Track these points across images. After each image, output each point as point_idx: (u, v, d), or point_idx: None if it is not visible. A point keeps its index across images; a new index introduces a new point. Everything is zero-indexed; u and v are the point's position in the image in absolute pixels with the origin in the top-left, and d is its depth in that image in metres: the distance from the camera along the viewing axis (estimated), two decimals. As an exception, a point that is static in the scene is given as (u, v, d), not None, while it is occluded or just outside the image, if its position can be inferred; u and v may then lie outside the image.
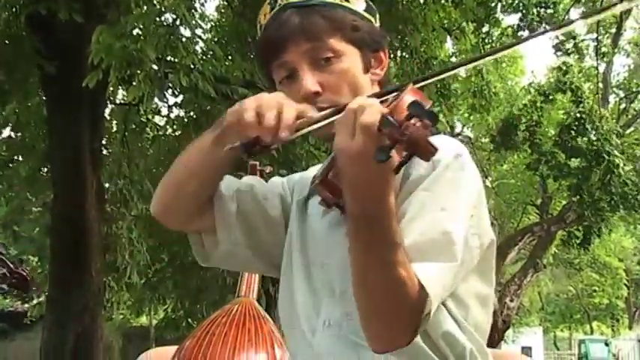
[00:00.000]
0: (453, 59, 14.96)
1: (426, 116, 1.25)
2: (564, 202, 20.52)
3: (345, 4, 1.75)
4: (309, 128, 1.55)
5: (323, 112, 1.58)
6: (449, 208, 1.55)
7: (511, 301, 18.30)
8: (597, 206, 16.09)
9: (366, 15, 1.78)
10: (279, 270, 1.90)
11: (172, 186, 1.83)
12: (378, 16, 1.84)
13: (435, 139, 1.23)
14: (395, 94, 1.57)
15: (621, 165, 15.66)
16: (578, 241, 17.37)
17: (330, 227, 1.76)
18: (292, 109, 1.52)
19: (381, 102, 1.46)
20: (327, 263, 1.72)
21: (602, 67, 19.41)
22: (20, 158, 10.86)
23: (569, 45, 18.52)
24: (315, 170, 1.92)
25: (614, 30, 19.23)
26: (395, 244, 1.41)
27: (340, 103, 1.61)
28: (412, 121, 1.25)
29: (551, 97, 17.75)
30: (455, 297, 1.61)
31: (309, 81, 1.68)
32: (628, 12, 18.90)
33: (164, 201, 1.85)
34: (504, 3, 13.45)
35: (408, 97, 1.46)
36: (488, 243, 1.65)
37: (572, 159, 16.71)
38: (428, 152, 1.24)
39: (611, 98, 21.48)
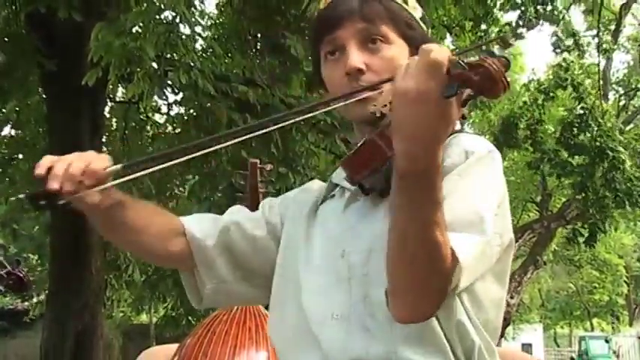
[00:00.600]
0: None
1: (499, 57, 1.28)
2: (564, 199, 20.52)
3: (403, 4, 1.81)
4: (103, 186, 1.64)
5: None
6: (479, 193, 1.58)
7: (511, 297, 18.28)
8: (602, 203, 16.04)
9: (421, 23, 1.85)
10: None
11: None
12: (430, 30, 1.91)
13: (470, 137, 1.25)
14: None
15: (627, 161, 15.62)
16: (583, 239, 17.30)
17: (356, 217, 1.76)
18: (80, 165, 1.60)
19: None
20: (349, 251, 1.71)
21: (602, 64, 19.39)
22: (20, 156, 10.87)
23: (568, 42, 18.49)
24: (320, 183, 1.99)
25: (613, 27, 19.21)
26: (438, 203, 1.41)
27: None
28: (485, 59, 1.27)
29: (551, 95, 17.71)
30: (470, 292, 1.61)
31: (356, 58, 1.72)
32: (627, 8, 18.89)
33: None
34: (503, 0, 13.40)
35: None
36: (507, 243, 1.66)
37: (575, 156, 16.66)
38: (502, 87, 1.26)
39: (611, 95, 21.48)
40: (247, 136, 1.61)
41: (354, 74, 1.72)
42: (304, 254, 1.82)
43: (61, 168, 1.57)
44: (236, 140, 1.60)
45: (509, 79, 1.26)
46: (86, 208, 1.69)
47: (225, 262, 1.91)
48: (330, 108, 1.70)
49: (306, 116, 1.70)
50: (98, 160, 1.62)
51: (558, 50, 18.78)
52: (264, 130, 1.64)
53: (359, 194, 1.76)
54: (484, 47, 1.45)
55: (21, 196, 1.63)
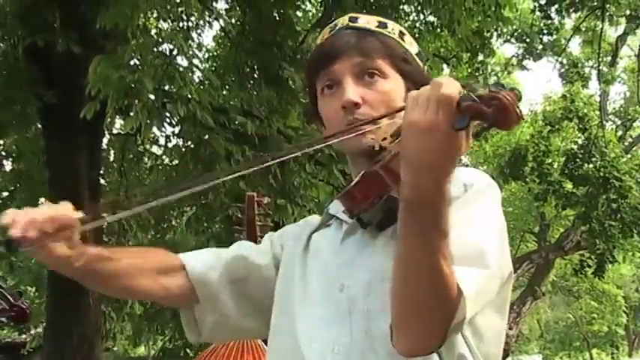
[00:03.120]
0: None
1: (512, 89, 1.28)
2: (562, 230, 20.50)
3: (400, 41, 1.84)
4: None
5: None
6: (480, 226, 1.59)
7: (510, 329, 18.21)
8: (608, 233, 16.00)
9: (417, 59, 1.86)
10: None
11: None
12: (427, 66, 1.95)
13: (468, 170, 1.26)
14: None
15: (634, 189, 15.61)
16: (591, 270, 17.22)
17: (353, 250, 1.76)
18: (45, 212, 1.61)
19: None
20: (348, 285, 1.70)
21: (597, 96, 19.47)
22: (18, 187, 10.86)
23: (572, 72, 18.56)
24: (314, 218, 2.01)
25: (609, 58, 19.30)
26: (445, 234, 1.41)
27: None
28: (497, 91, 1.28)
29: (557, 127, 17.77)
30: (472, 325, 1.60)
31: (352, 91, 1.74)
32: (623, 40, 18.97)
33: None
34: (503, 32, 13.47)
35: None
36: (507, 275, 1.66)
37: (580, 187, 16.64)
38: (516, 118, 1.27)
39: (608, 126, 21.55)
40: (245, 172, 1.64)
41: (350, 108, 1.73)
42: (300, 285, 1.82)
43: (24, 216, 1.57)
44: (228, 177, 1.66)
45: (521, 111, 1.28)
46: (51, 260, 1.69)
47: (230, 295, 1.91)
48: (332, 142, 1.70)
49: (309, 150, 1.73)
50: (61, 209, 1.63)
51: (564, 81, 18.81)
52: (263, 165, 1.64)
53: (357, 227, 1.76)
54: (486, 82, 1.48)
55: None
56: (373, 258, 1.68)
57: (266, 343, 1.96)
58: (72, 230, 1.63)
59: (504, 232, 1.68)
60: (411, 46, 1.87)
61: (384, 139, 1.58)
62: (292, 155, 1.75)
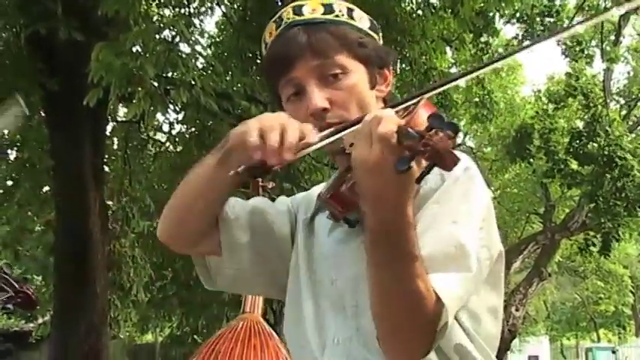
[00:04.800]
0: (453, 69, 14.99)
1: (447, 128, 1.26)
2: (568, 210, 20.48)
3: (351, 21, 1.78)
4: (314, 147, 1.56)
5: (325, 132, 1.59)
6: (460, 220, 1.57)
7: (517, 310, 18.25)
8: (613, 212, 16.00)
9: (371, 33, 1.81)
10: (284, 291, 1.90)
11: (178, 208, 1.84)
12: (381, 34, 1.86)
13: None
14: (406, 105, 1.59)
15: (636, 168, 15.59)
16: (596, 249, 17.24)
17: (338, 243, 1.77)
18: (295, 128, 1.53)
19: (396, 113, 1.48)
20: (336, 279, 1.72)
21: (602, 74, 19.43)
22: (22, 176, 10.86)
23: (575, 50, 18.50)
24: (319, 189, 1.96)
25: (612, 37, 19.23)
26: (414, 257, 1.41)
27: (348, 118, 1.66)
28: (433, 132, 1.26)
29: (562, 104, 17.72)
30: (467, 309, 1.61)
31: (318, 98, 1.69)
32: (626, 19, 18.90)
33: (171, 223, 1.86)
34: (505, 13, 13.43)
35: (423, 110, 1.49)
36: (497, 255, 1.67)
37: (585, 166, 16.63)
38: (451, 163, 1.26)
39: (612, 105, 21.50)
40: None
41: (319, 114, 1.69)
42: (305, 269, 1.83)
43: (276, 139, 1.50)
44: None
45: (457, 155, 1.26)
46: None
47: (246, 248, 1.88)
48: (313, 148, 1.60)
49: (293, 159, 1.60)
50: (308, 131, 1.56)
51: (568, 59, 18.73)
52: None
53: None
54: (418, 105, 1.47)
55: (241, 168, 1.53)
56: (358, 252, 1.64)
57: (274, 310, 1.97)
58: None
59: (490, 210, 1.67)
60: (362, 21, 1.81)
61: (352, 144, 1.54)
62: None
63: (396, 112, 1.53)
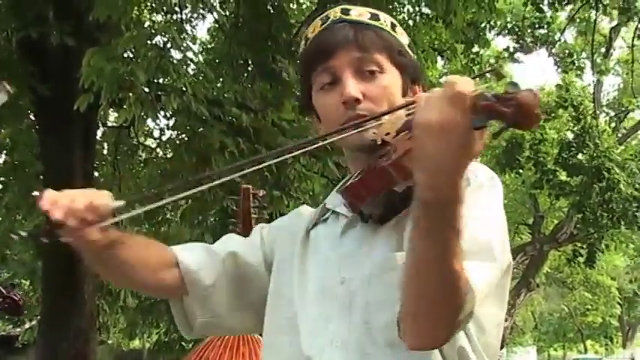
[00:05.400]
0: (444, 79, 15.02)
1: (530, 89, 1.25)
2: (556, 222, 20.54)
3: (393, 33, 1.83)
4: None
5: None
6: (483, 219, 1.58)
7: (505, 320, 18.25)
8: (599, 223, 16.07)
9: (408, 50, 1.86)
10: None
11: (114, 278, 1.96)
12: (420, 54, 1.92)
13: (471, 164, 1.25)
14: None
15: (622, 182, 15.66)
16: (582, 260, 17.31)
17: (354, 243, 1.75)
18: (88, 196, 1.61)
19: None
20: (350, 278, 1.70)
21: (591, 87, 19.52)
22: (11, 180, 10.83)
23: (566, 62, 18.59)
24: (306, 210, 1.99)
25: (603, 50, 19.32)
26: (459, 232, 1.39)
27: (377, 114, 1.66)
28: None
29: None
30: (474, 317, 1.58)
31: (353, 87, 1.73)
32: (617, 32, 19.00)
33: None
34: (497, 24, 13.48)
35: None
36: (507, 265, 1.67)
37: (573, 177, 16.70)
38: (535, 118, 1.24)
39: (602, 117, 21.61)
40: (247, 170, 1.63)
41: (352, 103, 1.72)
42: (299, 280, 1.81)
43: (65, 202, 1.57)
44: (239, 173, 1.61)
45: (540, 111, 1.25)
46: (84, 245, 1.67)
47: (221, 295, 1.89)
48: (335, 139, 1.67)
49: (310, 147, 1.67)
50: (101, 197, 1.61)
51: (559, 71, 18.83)
52: (266, 164, 1.66)
53: (356, 220, 1.76)
54: (479, 79, 1.45)
55: (23, 233, 1.62)
56: (374, 252, 1.67)
57: (261, 335, 1.95)
58: (108, 219, 1.62)
59: (505, 224, 1.68)
60: (402, 37, 1.86)
61: (387, 134, 1.56)
62: (296, 153, 1.73)
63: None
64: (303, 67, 1.89)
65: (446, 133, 1.31)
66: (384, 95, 1.74)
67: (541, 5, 13.95)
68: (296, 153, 1.73)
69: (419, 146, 1.36)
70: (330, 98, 1.77)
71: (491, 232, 1.59)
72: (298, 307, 1.77)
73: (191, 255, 1.91)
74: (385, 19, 1.84)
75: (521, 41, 16.61)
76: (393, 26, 1.85)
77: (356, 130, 1.62)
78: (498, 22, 14.27)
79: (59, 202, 1.57)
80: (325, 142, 1.69)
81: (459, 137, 1.30)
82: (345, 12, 1.82)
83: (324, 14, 1.86)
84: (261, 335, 1.94)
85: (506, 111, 1.25)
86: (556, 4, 13.64)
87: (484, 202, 1.62)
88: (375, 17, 1.82)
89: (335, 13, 1.83)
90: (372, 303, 1.63)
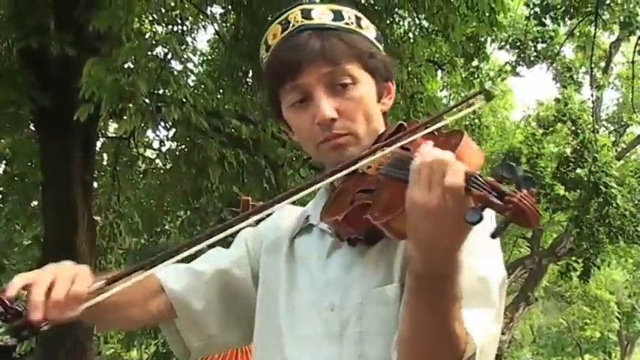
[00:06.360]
0: (444, 92, 15.05)
1: (524, 183, 1.21)
2: (555, 235, 20.52)
3: (359, 30, 1.72)
4: (93, 300, 1.48)
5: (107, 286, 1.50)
6: (479, 252, 1.50)
7: (503, 334, 18.23)
8: (596, 238, 16.05)
9: (377, 43, 1.77)
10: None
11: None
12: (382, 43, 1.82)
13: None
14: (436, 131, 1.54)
15: (619, 197, 15.65)
16: (577, 274, 17.29)
17: (343, 268, 1.68)
18: (66, 281, 1.46)
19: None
20: (341, 306, 1.63)
21: (595, 100, 19.55)
22: (11, 190, 10.84)
23: (565, 76, 18.62)
24: (293, 209, 1.89)
25: (603, 64, 19.35)
26: (456, 299, 1.36)
27: (354, 130, 1.63)
28: (514, 187, 1.21)
29: (551, 129, 17.81)
30: None
31: (327, 107, 1.63)
32: (616, 47, 19.03)
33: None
34: (498, 37, 13.49)
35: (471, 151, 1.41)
36: (501, 281, 1.61)
37: (571, 191, 16.69)
38: (534, 220, 1.20)
39: (601, 132, 21.63)
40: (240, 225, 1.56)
41: (327, 124, 1.64)
42: (286, 296, 1.75)
43: (41, 293, 1.43)
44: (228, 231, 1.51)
45: (539, 209, 1.21)
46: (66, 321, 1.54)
47: (212, 316, 1.84)
48: (332, 179, 1.57)
49: (305, 192, 1.56)
50: (80, 280, 1.49)
51: (558, 85, 18.87)
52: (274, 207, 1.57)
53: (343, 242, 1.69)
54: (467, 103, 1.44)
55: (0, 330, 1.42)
56: (365, 278, 1.62)
57: None
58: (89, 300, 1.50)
59: (498, 241, 1.61)
60: (369, 32, 1.76)
61: (369, 167, 1.54)
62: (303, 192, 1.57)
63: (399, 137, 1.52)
64: (269, 82, 1.77)
65: (439, 218, 1.28)
66: (359, 108, 1.67)
67: (543, 19, 13.99)
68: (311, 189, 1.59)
69: (413, 224, 1.33)
70: (302, 117, 1.68)
71: (490, 268, 1.53)
72: (284, 327, 1.71)
73: (177, 279, 1.83)
74: (349, 16, 1.73)
75: (522, 55, 16.62)
76: (358, 20, 1.74)
77: (351, 168, 1.54)
78: (499, 36, 14.27)
79: (35, 294, 1.42)
80: (326, 180, 1.58)
81: (454, 224, 1.27)
82: (307, 15, 1.70)
83: (284, 17, 1.73)
84: None
85: (502, 208, 1.21)
86: (558, 19, 13.68)
87: (475, 232, 1.44)
88: (338, 16, 1.71)
89: (295, 16, 1.70)
90: (365, 334, 1.57)
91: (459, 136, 1.44)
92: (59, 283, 1.45)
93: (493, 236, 1.24)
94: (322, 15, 1.70)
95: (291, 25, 1.70)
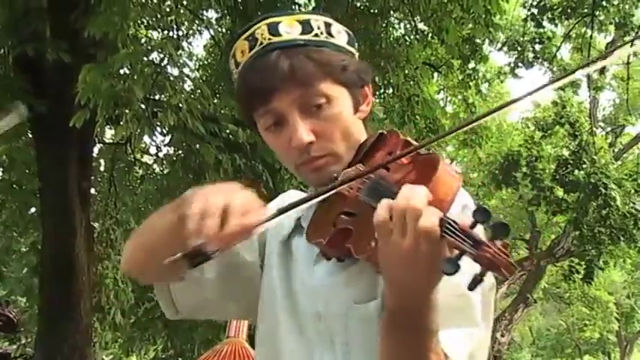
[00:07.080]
0: (441, 95, 15.06)
1: (497, 230, 1.21)
2: (553, 237, 20.52)
3: (330, 39, 1.67)
4: (259, 227, 1.46)
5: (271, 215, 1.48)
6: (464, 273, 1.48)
7: (502, 336, 18.25)
8: (597, 240, 16.06)
9: (350, 48, 1.72)
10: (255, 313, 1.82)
11: (143, 250, 1.70)
12: (356, 44, 1.77)
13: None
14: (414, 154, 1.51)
15: (617, 198, 15.66)
16: (580, 276, 17.27)
17: (326, 275, 1.67)
18: (238, 210, 1.41)
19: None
20: (325, 314, 1.63)
21: (588, 102, 19.57)
22: (9, 197, 10.83)
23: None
24: (291, 196, 1.85)
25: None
26: (431, 333, 1.36)
27: (334, 150, 1.61)
28: (481, 234, 1.21)
29: (549, 132, 17.82)
30: None
31: (302, 131, 1.60)
32: (613, 48, 19.04)
33: (135, 262, 1.75)
34: (495, 38, 13.49)
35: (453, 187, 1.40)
36: (489, 287, 1.60)
37: (570, 193, 16.70)
38: (508, 271, 1.20)
39: (598, 132, 21.65)
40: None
41: (305, 148, 1.61)
42: (283, 293, 1.74)
43: (215, 227, 1.39)
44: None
45: (512, 260, 1.21)
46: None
47: (215, 281, 1.78)
48: (310, 203, 1.52)
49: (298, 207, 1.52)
50: (252, 213, 1.44)
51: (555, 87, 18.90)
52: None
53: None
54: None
55: (177, 256, 1.40)
56: (348, 289, 1.61)
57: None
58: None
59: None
60: (341, 36, 1.70)
61: (350, 189, 1.52)
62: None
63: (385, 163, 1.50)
64: (241, 103, 1.74)
65: (412, 262, 1.27)
66: (336, 127, 1.63)
67: (541, 21, 14.00)
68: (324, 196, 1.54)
69: (388, 266, 1.33)
70: (279, 141, 1.66)
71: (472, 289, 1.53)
72: (282, 325, 1.71)
73: None
74: (318, 25, 1.67)
75: (521, 56, 16.61)
76: (328, 28, 1.69)
77: (336, 190, 1.49)
78: (496, 37, 14.28)
79: (207, 227, 1.39)
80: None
81: (427, 266, 1.26)
82: (274, 31, 1.65)
83: (250, 33, 1.69)
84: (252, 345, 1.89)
85: (476, 257, 1.21)
86: (555, 20, 13.68)
87: None
88: (307, 27, 1.65)
89: (262, 33, 1.66)
90: (351, 346, 1.58)
91: (435, 162, 1.43)
92: (232, 218, 1.40)
93: (470, 289, 1.23)
94: (290, 29, 1.65)
95: (258, 43, 1.66)
